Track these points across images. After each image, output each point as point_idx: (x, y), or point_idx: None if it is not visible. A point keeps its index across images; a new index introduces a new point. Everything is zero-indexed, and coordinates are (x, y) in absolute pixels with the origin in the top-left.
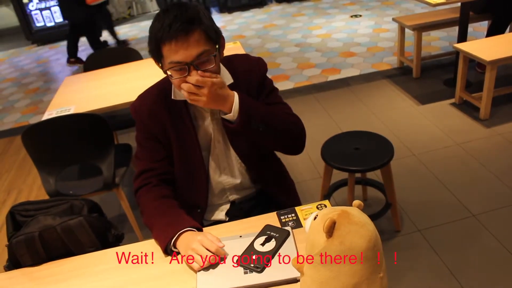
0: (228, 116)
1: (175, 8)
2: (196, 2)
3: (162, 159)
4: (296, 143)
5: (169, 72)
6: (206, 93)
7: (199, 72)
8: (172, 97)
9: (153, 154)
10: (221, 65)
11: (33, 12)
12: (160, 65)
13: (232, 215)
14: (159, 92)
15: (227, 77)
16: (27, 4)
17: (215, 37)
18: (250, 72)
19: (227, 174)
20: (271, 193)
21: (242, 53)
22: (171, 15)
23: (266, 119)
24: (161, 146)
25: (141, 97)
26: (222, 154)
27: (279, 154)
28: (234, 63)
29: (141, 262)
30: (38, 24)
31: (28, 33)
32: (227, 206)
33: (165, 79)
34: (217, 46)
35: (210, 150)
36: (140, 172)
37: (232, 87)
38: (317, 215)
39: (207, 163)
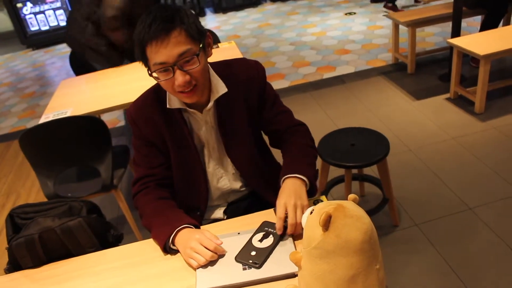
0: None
1: (157, 9)
2: (190, 4)
3: (160, 165)
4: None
5: (154, 75)
6: (294, 208)
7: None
8: (168, 106)
9: (150, 160)
10: (213, 73)
11: (27, 16)
12: (147, 68)
13: (230, 214)
14: (154, 99)
15: (220, 85)
16: (21, 8)
17: (198, 36)
18: (251, 81)
19: (225, 179)
20: (267, 197)
21: (239, 57)
22: (151, 16)
23: (314, 162)
24: (158, 152)
25: (136, 104)
26: (218, 161)
27: (276, 155)
28: (233, 69)
29: (141, 262)
30: (32, 28)
31: (23, 37)
32: (225, 206)
33: (158, 86)
34: (201, 46)
35: (205, 156)
36: (138, 178)
37: (228, 95)
38: (313, 210)
39: (205, 169)
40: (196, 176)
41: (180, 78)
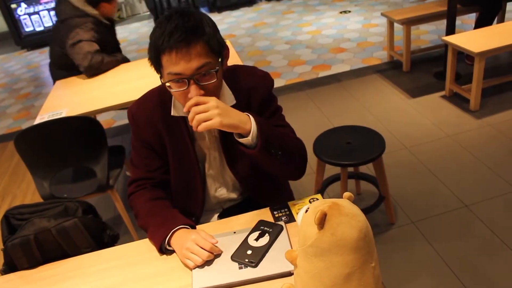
0: (246, 140)
1: (178, 15)
2: (185, 3)
3: (157, 168)
4: (301, 171)
5: (167, 84)
6: (215, 105)
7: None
8: (172, 114)
9: (148, 161)
10: (224, 84)
11: (21, 17)
12: (159, 74)
13: (224, 218)
14: (157, 102)
15: (229, 98)
16: (16, 9)
17: (218, 49)
18: (254, 90)
19: (223, 189)
20: (264, 203)
21: (235, 56)
22: (172, 23)
23: (283, 144)
24: (156, 154)
25: (138, 104)
26: (217, 171)
27: None
28: (238, 76)
29: (137, 262)
30: (27, 29)
31: (18, 38)
32: (220, 211)
33: (165, 89)
34: (219, 60)
35: (205, 166)
36: (135, 179)
37: (233, 106)
38: (308, 208)
39: (204, 178)
40: (194, 184)
41: (194, 92)
